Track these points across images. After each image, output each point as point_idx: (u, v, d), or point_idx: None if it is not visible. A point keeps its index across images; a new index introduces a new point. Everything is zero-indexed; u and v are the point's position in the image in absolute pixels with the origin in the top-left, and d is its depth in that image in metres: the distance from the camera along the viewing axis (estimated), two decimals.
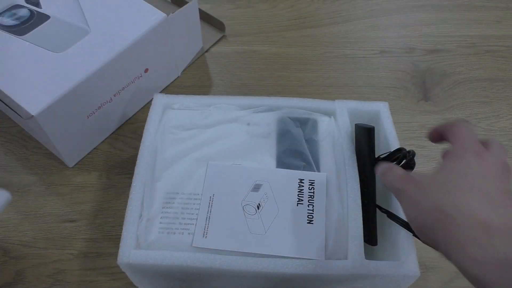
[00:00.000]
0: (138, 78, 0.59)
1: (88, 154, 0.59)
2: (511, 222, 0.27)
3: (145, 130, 0.48)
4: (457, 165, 0.31)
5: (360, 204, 0.43)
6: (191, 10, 0.62)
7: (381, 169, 0.38)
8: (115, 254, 0.40)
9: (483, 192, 0.29)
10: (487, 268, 0.26)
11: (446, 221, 0.28)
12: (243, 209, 0.43)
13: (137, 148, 0.47)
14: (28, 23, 0.56)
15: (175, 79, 0.67)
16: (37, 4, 0.58)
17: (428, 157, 0.59)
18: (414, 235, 0.41)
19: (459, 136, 0.34)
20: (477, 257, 0.26)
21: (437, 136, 0.38)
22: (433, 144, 0.60)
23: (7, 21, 0.56)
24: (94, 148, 0.59)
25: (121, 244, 0.41)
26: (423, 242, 0.32)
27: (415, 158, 0.43)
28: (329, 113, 0.51)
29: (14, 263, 0.50)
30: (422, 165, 0.58)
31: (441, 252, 0.30)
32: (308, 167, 0.46)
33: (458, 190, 0.29)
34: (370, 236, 0.43)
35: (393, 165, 0.39)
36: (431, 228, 0.29)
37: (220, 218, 0.43)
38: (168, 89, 0.66)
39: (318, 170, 0.46)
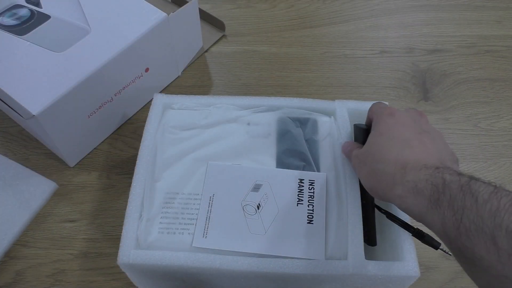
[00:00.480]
0: (139, 78, 0.59)
1: (88, 154, 0.59)
2: (423, 156, 0.34)
3: (145, 130, 0.48)
4: (378, 128, 0.37)
5: (360, 204, 0.43)
6: (191, 10, 0.62)
7: (343, 147, 0.45)
8: (115, 254, 0.40)
9: (400, 140, 0.35)
10: (407, 200, 0.32)
11: (379, 176, 0.34)
12: (243, 209, 0.43)
13: (137, 148, 0.47)
14: (28, 23, 0.56)
15: (175, 79, 0.67)
16: (38, 4, 0.58)
17: None
18: (414, 235, 0.41)
19: (374, 110, 0.41)
20: (400, 193, 0.33)
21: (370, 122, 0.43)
22: None
23: (8, 21, 0.56)
24: (94, 148, 0.59)
25: (121, 244, 0.41)
26: (376, 198, 0.38)
27: None
28: (329, 113, 0.51)
29: (14, 263, 0.50)
30: None
31: (386, 201, 0.36)
32: (308, 167, 0.46)
33: (382, 148, 0.35)
34: (369, 236, 0.43)
35: (351, 143, 0.44)
36: (374, 186, 0.36)
37: (220, 218, 0.43)
38: (168, 89, 0.66)
39: (318, 170, 0.46)
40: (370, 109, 0.43)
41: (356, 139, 0.47)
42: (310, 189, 0.44)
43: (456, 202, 0.29)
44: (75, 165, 0.58)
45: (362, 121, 0.50)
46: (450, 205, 0.29)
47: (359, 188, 0.44)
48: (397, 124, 0.37)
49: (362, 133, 0.45)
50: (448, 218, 0.29)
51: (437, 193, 0.31)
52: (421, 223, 0.33)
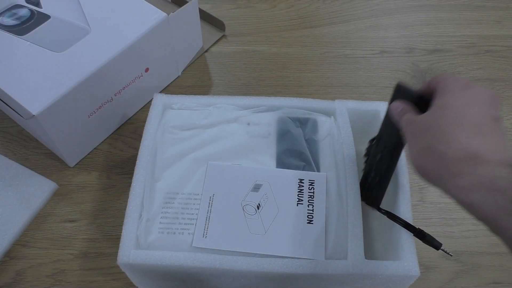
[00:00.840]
0: (139, 78, 0.59)
1: (88, 154, 0.59)
2: (497, 149, 0.29)
3: (145, 130, 0.48)
4: (446, 100, 0.32)
5: (360, 204, 0.43)
6: (191, 10, 0.62)
7: (393, 106, 0.38)
8: (115, 254, 0.40)
9: (472, 123, 0.30)
10: (476, 195, 0.28)
11: (439, 158, 0.29)
12: (243, 209, 0.43)
13: (137, 148, 0.47)
14: (28, 23, 0.56)
15: (175, 79, 0.67)
16: (38, 4, 0.58)
17: None
18: (415, 235, 0.41)
19: (444, 78, 0.35)
20: (466, 186, 0.28)
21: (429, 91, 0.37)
22: None
23: (8, 21, 0.56)
24: (94, 148, 0.59)
25: (121, 244, 0.41)
26: (424, 179, 0.32)
27: None
28: (329, 113, 0.51)
29: (14, 263, 0.50)
30: None
31: (439, 187, 0.31)
32: (308, 167, 0.46)
33: (448, 126, 0.30)
34: (376, 197, 0.43)
35: (404, 105, 0.37)
36: (426, 166, 0.31)
37: (220, 218, 0.43)
38: (168, 89, 0.66)
39: (318, 170, 0.46)
40: (435, 78, 0.36)
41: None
42: (310, 189, 0.44)
43: None
44: (75, 165, 0.58)
45: (363, 120, 0.50)
46: None
47: (359, 188, 0.44)
48: (473, 101, 0.32)
49: (414, 99, 0.38)
50: None
51: None
52: (481, 222, 0.29)
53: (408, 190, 0.44)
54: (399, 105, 0.37)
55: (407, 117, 0.35)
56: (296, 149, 0.47)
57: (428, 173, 0.31)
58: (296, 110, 0.50)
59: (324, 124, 0.49)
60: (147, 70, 0.60)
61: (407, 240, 0.41)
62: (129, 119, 0.63)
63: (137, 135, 0.60)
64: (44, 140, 0.57)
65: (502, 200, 0.27)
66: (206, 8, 0.74)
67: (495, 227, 0.27)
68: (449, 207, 0.54)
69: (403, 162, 0.46)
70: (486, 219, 0.28)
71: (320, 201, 0.44)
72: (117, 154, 0.59)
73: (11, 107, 0.52)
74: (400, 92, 0.38)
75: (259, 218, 0.43)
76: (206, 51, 0.71)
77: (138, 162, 0.46)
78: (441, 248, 0.41)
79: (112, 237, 0.52)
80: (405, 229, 0.42)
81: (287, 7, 0.77)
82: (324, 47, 0.72)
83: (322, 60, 0.70)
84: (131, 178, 0.45)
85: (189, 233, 0.42)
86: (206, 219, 0.43)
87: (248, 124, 0.49)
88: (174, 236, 0.42)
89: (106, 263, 0.50)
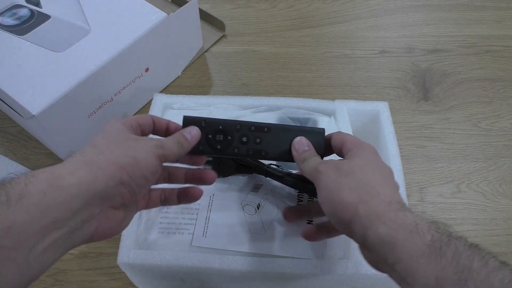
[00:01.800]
0: (139, 78, 0.59)
1: None
2: (400, 198, 0.32)
3: None
4: (367, 157, 0.36)
5: None
6: (191, 10, 0.62)
7: (298, 142, 0.39)
8: (115, 254, 0.40)
9: (385, 179, 0.34)
10: (397, 234, 0.29)
11: (370, 197, 0.31)
12: (243, 209, 0.43)
13: None
14: (28, 23, 0.56)
15: (175, 79, 0.67)
16: (38, 4, 0.58)
17: (428, 157, 0.59)
18: None
19: (349, 138, 0.38)
20: (388, 225, 0.29)
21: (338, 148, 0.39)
22: (434, 144, 0.61)
23: (8, 21, 0.56)
24: None
25: (121, 244, 0.41)
26: (337, 224, 0.33)
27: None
28: (329, 113, 0.51)
29: None
30: (422, 165, 0.58)
31: (352, 231, 0.32)
32: None
33: (374, 176, 0.33)
34: None
35: (311, 147, 0.39)
36: (353, 204, 0.31)
37: (220, 218, 0.43)
38: (168, 89, 0.66)
39: None
40: (342, 136, 0.39)
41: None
42: None
43: (461, 259, 0.26)
44: None
45: (363, 120, 0.50)
46: (455, 260, 0.26)
47: None
48: (379, 162, 0.36)
49: (323, 140, 0.40)
50: (449, 274, 0.25)
51: (440, 242, 0.27)
52: (387, 259, 0.29)
53: (403, 190, 0.44)
54: (305, 142, 0.39)
55: (325, 160, 0.37)
56: None
57: (351, 211, 0.31)
58: (296, 110, 0.50)
59: (324, 124, 0.49)
60: (147, 70, 0.60)
61: None
62: None
63: None
64: (44, 140, 0.57)
65: (420, 242, 0.28)
66: (206, 8, 0.74)
67: (400, 267, 0.28)
68: (449, 207, 0.54)
69: (398, 166, 0.46)
70: (392, 258, 0.28)
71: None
72: None
73: (11, 107, 0.52)
74: (318, 135, 0.40)
75: (259, 218, 0.43)
76: (206, 51, 0.71)
77: None
78: None
79: (112, 237, 0.52)
80: None
81: (287, 7, 0.78)
82: (324, 47, 0.72)
83: (322, 60, 0.70)
84: None
85: (189, 233, 0.42)
86: (206, 219, 0.43)
87: None
88: (174, 236, 0.42)
89: (106, 263, 0.50)
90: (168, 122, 0.37)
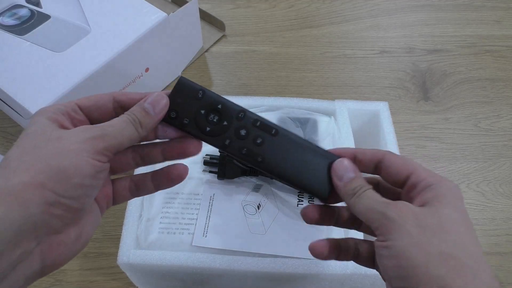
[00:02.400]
0: (139, 78, 0.59)
1: None
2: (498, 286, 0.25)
3: None
4: (458, 207, 0.27)
5: None
6: (191, 10, 0.62)
7: (345, 177, 0.29)
8: (115, 254, 0.40)
9: (478, 247, 0.26)
10: None
11: (465, 275, 0.23)
12: (243, 209, 0.43)
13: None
14: (28, 23, 0.56)
15: (175, 79, 0.67)
16: (38, 4, 0.58)
17: (428, 157, 0.59)
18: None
19: (423, 170, 0.29)
20: None
21: (369, 166, 0.30)
22: (434, 144, 0.61)
23: (8, 21, 0.56)
24: None
25: (121, 244, 0.41)
26: None
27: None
28: (329, 113, 0.51)
29: None
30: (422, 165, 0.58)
31: None
32: None
33: (471, 242, 0.25)
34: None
35: (359, 173, 0.29)
36: (441, 278, 0.23)
37: (220, 218, 0.43)
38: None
39: None
40: (406, 162, 0.29)
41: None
42: None
43: None
44: None
45: (363, 120, 0.50)
46: None
47: None
48: (469, 222, 0.27)
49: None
50: None
51: None
52: None
53: None
54: (352, 168, 0.29)
55: (390, 201, 0.27)
56: None
57: (434, 283, 0.23)
58: (296, 110, 0.50)
59: (324, 124, 0.49)
60: (147, 70, 0.60)
61: None
62: None
63: None
64: None
65: None
66: (206, 8, 0.74)
67: None
68: None
69: None
70: None
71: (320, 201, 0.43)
72: None
73: (11, 107, 0.52)
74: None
75: (259, 218, 0.43)
76: (206, 51, 0.71)
77: None
78: None
79: (112, 237, 0.52)
80: None
81: (287, 7, 0.77)
82: (324, 47, 0.72)
83: (322, 60, 0.70)
84: None
85: (189, 233, 0.42)
86: (206, 219, 0.43)
87: None
88: (174, 236, 0.42)
89: (106, 263, 0.50)
90: (146, 95, 0.29)
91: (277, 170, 0.31)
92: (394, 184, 0.29)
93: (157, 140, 0.31)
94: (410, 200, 0.27)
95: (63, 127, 0.26)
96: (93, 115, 0.28)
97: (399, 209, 0.26)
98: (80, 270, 0.50)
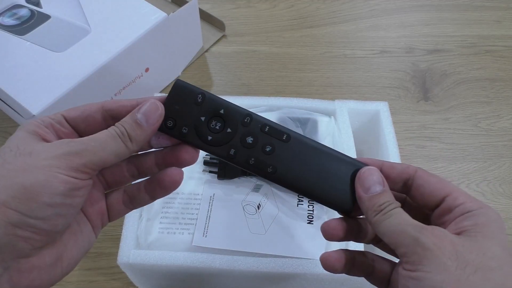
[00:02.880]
0: (139, 78, 0.59)
1: None
2: None
3: None
4: (501, 240, 0.23)
5: None
6: (191, 10, 0.62)
7: (372, 189, 0.26)
8: (115, 254, 0.40)
9: None
10: None
11: None
12: (243, 209, 0.43)
13: None
14: (28, 23, 0.56)
15: (176, 79, 0.67)
16: (38, 4, 0.58)
17: (428, 157, 0.59)
18: None
19: (461, 193, 0.25)
20: None
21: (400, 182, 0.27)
22: (434, 144, 0.61)
23: (8, 21, 0.56)
24: None
25: (121, 244, 0.41)
26: None
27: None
28: (329, 113, 0.51)
29: None
30: (422, 165, 0.58)
31: None
32: None
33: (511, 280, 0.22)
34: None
35: (388, 187, 0.26)
36: None
37: (221, 218, 0.43)
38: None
39: None
40: (441, 182, 0.26)
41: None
42: None
43: None
44: None
45: (363, 120, 0.50)
46: None
47: None
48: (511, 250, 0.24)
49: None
50: None
51: None
52: None
53: None
54: (380, 180, 0.26)
55: (424, 225, 0.23)
56: None
57: None
58: (296, 110, 0.50)
59: (324, 124, 0.49)
60: (147, 70, 0.60)
61: None
62: None
63: None
64: None
65: None
66: (206, 8, 0.74)
67: None
68: None
69: (397, 161, 0.46)
70: None
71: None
72: None
73: (11, 107, 0.52)
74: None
75: (259, 218, 0.43)
76: (206, 51, 0.71)
77: None
78: None
79: (112, 237, 0.52)
80: None
81: (287, 7, 0.77)
82: (324, 47, 0.72)
83: (322, 60, 0.70)
84: None
85: (189, 233, 0.42)
86: (206, 219, 0.43)
87: None
88: (174, 236, 0.42)
89: (106, 263, 0.50)
90: (138, 102, 0.26)
91: (291, 181, 0.27)
92: (424, 205, 0.26)
93: (151, 150, 0.28)
94: (441, 225, 0.24)
95: (45, 140, 0.24)
96: (80, 127, 0.26)
97: (437, 237, 0.22)
98: (80, 270, 0.50)
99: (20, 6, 0.58)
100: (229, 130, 0.27)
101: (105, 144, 0.24)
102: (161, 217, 0.43)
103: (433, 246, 0.22)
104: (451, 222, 0.24)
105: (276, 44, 0.72)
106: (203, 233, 0.42)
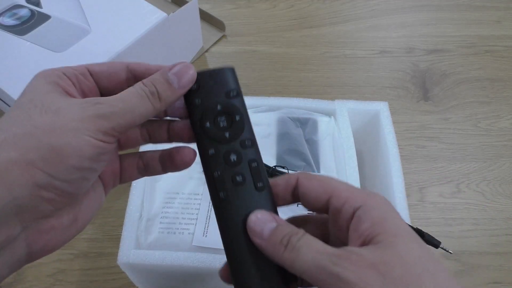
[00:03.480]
0: None
1: None
2: None
3: None
4: (409, 240, 0.21)
5: None
6: (191, 10, 0.62)
7: (266, 232, 0.23)
8: (115, 254, 0.40)
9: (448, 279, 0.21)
10: None
11: None
12: None
13: (137, 148, 0.47)
14: (28, 23, 0.56)
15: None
16: (38, 4, 0.58)
17: (428, 157, 0.59)
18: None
19: (345, 187, 0.23)
20: None
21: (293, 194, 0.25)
22: (434, 144, 0.61)
23: (8, 21, 0.56)
24: None
25: (121, 244, 0.41)
26: None
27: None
28: (329, 113, 0.51)
29: None
30: (422, 165, 0.58)
31: None
32: (308, 167, 0.46)
33: (441, 278, 0.20)
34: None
35: (279, 218, 0.24)
36: None
37: None
38: None
39: (318, 170, 0.46)
40: (323, 181, 0.24)
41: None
42: None
43: None
44: None
45: (363, 121, 0.50)
46: None
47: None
48: (417, 236, 0.22)
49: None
50: None
51: None
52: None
53: (402, 190, 0.44)
54: (269, 217, 0.23)
55: (332, 250, 0.21)
56: (296, 149, 0.47)
57: None
58: (296, 110, 0.50)
59: (324, 124, 0.49)
60: None
61: None
62: None
63: None
64: None
65: None
66: (206, 8, 0.74)
67: None
68: (448, 207, 0.54)
69: (398, 166, 0.46)
70: None
71: None
72: None
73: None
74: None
75: None
76: (206, 51, 0.71)
77: None
78: (440, 246, 0.41)
79: (112, 237, 0.52)
80: None
81: (287, 7, 0.77)
82: (324, 47, 0.72)
83: (322, 60, 0.70)
84: None
85: (189, 233, 0.42)
86: (207, 219, 0.43)
87: None
88: (174, 236, 0.42)
89: (106, 263, 0.50)
90: (165, 67, 0.25)
91: (228, 226, 0.24)
92: (319, 212, 0.24)
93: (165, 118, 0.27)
94: (347, 233, 0.22)
95: (67, 93, 0.23)
96: (103, 82, 0.25)
97: (355, 265, 0.20)
98: (80, 270, 0.50)
99: (20, 6, 0.58)
100: (227, 135, 0.26)
101: (134, 106, 0.22)
102: (161, 217, 0.43)
103: (355, 280, 0.19)
104: (348, 229, 0.22)
105: (276, 44, 0.72)
106: (203, 233, 0.42)
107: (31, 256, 0.22)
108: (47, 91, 0.22)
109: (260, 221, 0.23)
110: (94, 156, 0.22)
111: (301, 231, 0.22)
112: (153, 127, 0.27)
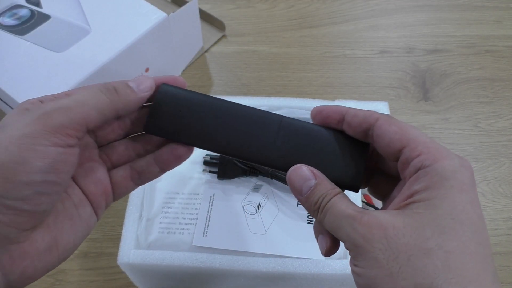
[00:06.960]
0: None
1: None
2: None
3: None
4: (451, 212, 0.19)
5: (360, 203, 0.43)
6: (191, 10, 0.62)
7: (304, 188, 0.24)
8: (115, 254, 0.40)
9: (486, 256, 0.19)
10: None
11: None
12: (243, 209, 0.43)
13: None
14: (28, 23, 0.56)
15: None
16: (38, 4, 0.58)
17: None
18: None
19: (439, 155, 0.21)
20: None
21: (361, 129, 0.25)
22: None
23: (8, 21, 0.56)
24: None
25: (121, 244, 0.41)
26: None
27: None
28: None
29: None
30: None
31: None
32: None
33: (459, 259, 0.18)
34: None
35: (321, 175, 0.24)
36: None
37: (221, 218, 0.43)
38: None
39: None
40: (402, 128, 0.23)
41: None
42: None
43: None
44: None
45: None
46: None
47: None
48: (476, 214, 0.21)
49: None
50: None
51: None
52: None
53: None
54: (309, 174, 0.24)
55: (356, 210, 0.21)
56: None
57: None
58: (296, 110, 0.50)
59: None
60: (147, 70, 0.60)
61: None
62: None
63: None
64: None
65: None
66: (206, 8, 0.74)
67: None
68: None
69: None
70: None
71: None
72: None
73: (11, 107, 0.52)
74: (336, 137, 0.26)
75: (259, 218, 0.43)
76: (206, 51, 0.71)
77: None
78: None
79: (112, 237, 0.52)
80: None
81: (287, 7, 0.77)
82: (324, 47, 0.72)
83: (322, 60, 0.70)
84: None
85: (189, 233, 0.42)
86: (207, 219, 0.43)
87: None
88: (174, 236, 0.42)
89: (106, 263, 0.50)
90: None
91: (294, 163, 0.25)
92: (387, 158, 0.23)
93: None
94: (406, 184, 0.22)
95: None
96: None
97: (365, 226, 0.20)
98: (80, 270, 0.50)
99: (20, 6, 0.58)
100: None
101: (85, 99, 0.21)
102: (161, 217, 0.43)
103: (361, 241, 0.20)
104: (407, 182, 0.21)
105: (276, 44, 0.72)
106: (203, 233, 0.42)
107: (11, 285, 0.21)
108: (10, 115, 0.21)
109: (300, 177, 0.24)
110: (45, 168, 0.20)
111: (332, 193, 0.23)
112: (145, 139, 0.27)
